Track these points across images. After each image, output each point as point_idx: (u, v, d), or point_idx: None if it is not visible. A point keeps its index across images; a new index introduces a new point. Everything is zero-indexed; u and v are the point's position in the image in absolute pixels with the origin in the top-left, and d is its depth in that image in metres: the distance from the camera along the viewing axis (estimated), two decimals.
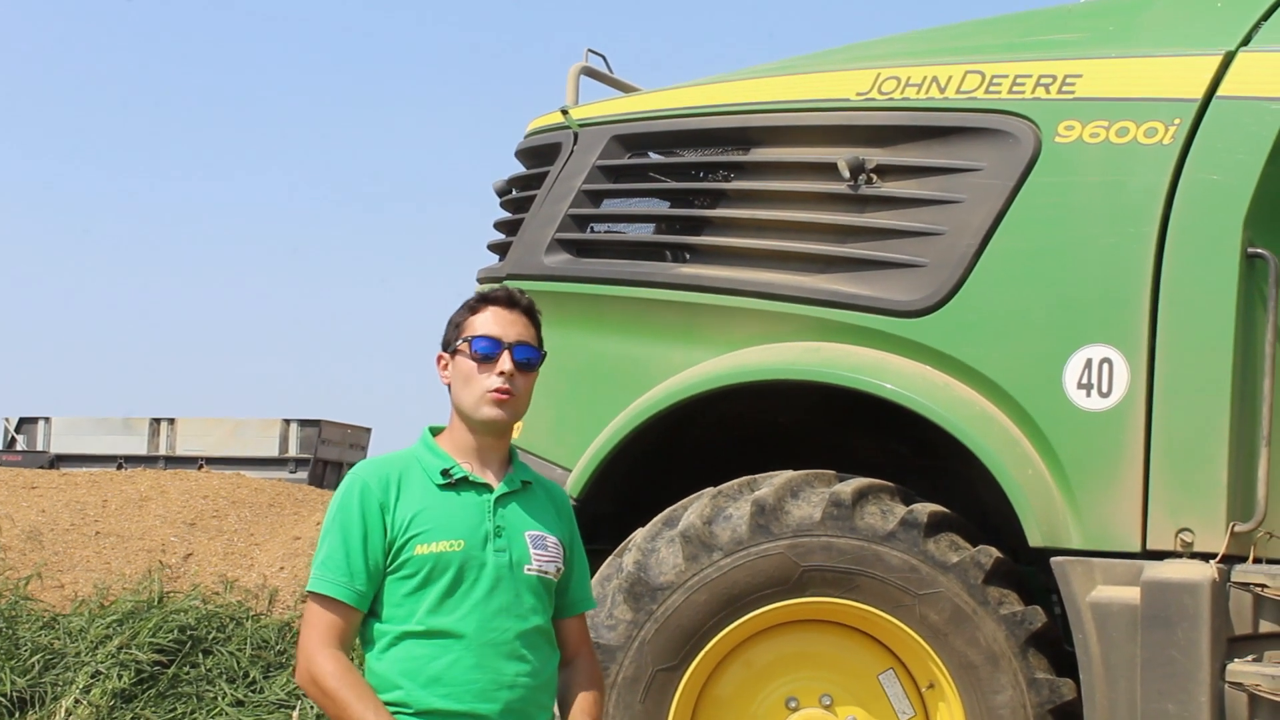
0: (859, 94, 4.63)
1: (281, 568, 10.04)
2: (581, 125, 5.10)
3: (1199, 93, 4.15)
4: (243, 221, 47.15)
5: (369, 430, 23.54)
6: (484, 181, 5.74)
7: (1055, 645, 4.30)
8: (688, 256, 4.88)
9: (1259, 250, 4.05)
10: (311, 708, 7.25)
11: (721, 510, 4.36)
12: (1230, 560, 4.01)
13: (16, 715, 7.13)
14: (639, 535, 4.46)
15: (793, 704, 4.41)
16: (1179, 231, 4.10)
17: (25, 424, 23.11)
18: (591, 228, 5.09)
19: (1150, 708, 3.93)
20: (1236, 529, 4.00)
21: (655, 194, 5.07)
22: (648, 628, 4.30)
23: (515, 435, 3.12)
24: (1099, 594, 4.06)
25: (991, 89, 4.41)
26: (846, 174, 4.50)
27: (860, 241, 4.53)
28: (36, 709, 7.21)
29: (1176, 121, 4.15)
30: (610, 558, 4.48)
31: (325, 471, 21.41)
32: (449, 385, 2.99)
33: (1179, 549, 4.04)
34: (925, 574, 4.20)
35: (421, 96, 49.76)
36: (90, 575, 9.70)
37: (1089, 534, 4.14)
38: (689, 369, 4.65)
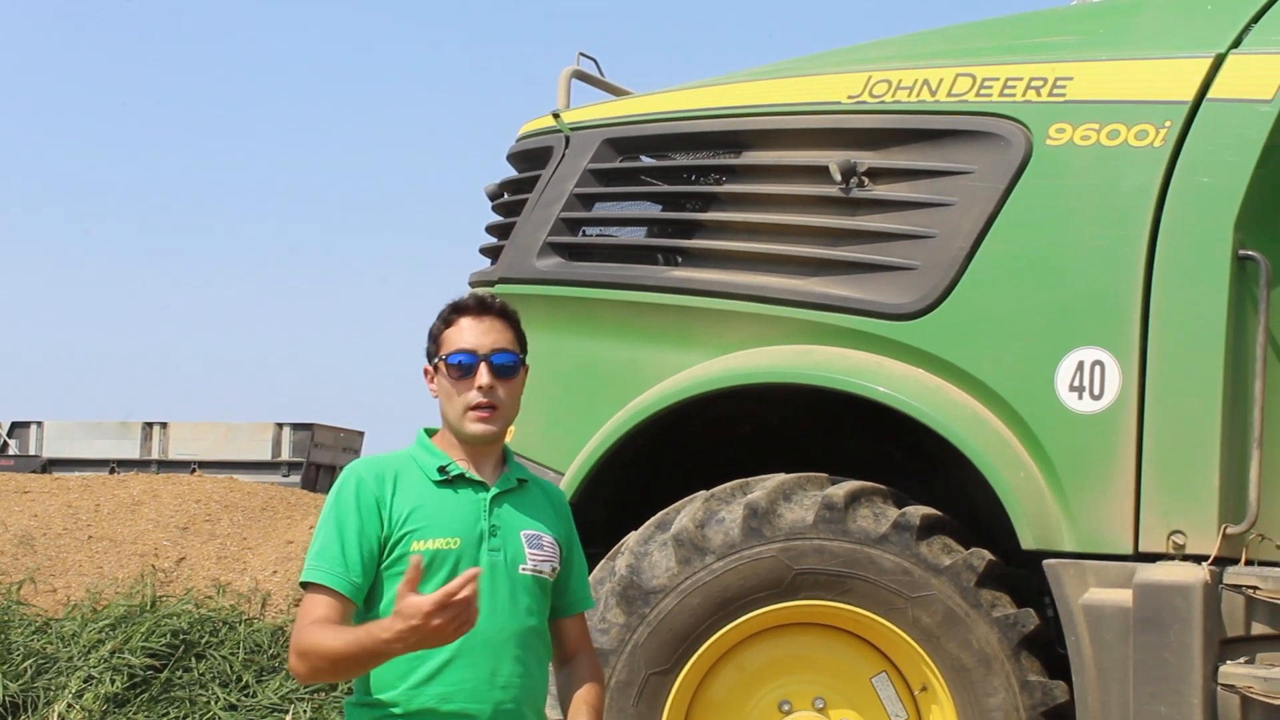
0: (850, 97, 4.63)
1: (274, 572, 10.02)
2: (573, 129, 5.10)
3: (1190, 95, 4.15)
4: (236, 225, 47.12)
5: (362, 434, 23.50)
6: (477, 185, 5.73)
7: (1048, 648, 4.30)
8: (680, 260, 4.87)
9: (1250, 253, 4.05)
10: (305, 711, 7.25)
11: (714, 513, 4.36)
12: (1222, 562, 4.01)
13: None
14: (631, 539, 4.46)
15: (785, 707, 4.40)
16: (1170, 234, 4.11)
17: (17, 428, 23.04)
18: (583, 231, 5.09)
19: (1143, 710, 3.93)
20: (1228, 531, 4.00)
21: (647, 197, 5.07)
22: (640, 631, 4.29)
23: (508, 439, 3.11)
24: (1091, 596, 4.06)
25: (983, 92, 4.42)
26: (838, 177, 4.50)
27: (852, 244, 4.53)
28: (29, 714, 7.20)
29: (1167, 124, 4.15)
30: (603, 561, 4.47)
31: (318, 475, 21.37)
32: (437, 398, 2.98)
33: (1171, 551, 4.04)
34: (918, 577, 4.20)
35: (413, 99, 49.76)
36: (83, 579, 9.67)
37: (1081, 536, 4.14)
38: (681, 372, 4.64)
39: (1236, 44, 4.21)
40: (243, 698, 7.42)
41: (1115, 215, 4.18)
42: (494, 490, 2.95)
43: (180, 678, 7.49)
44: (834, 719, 4.38)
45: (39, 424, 22.83)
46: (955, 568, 4.20)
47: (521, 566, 2.92)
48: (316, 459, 21.68)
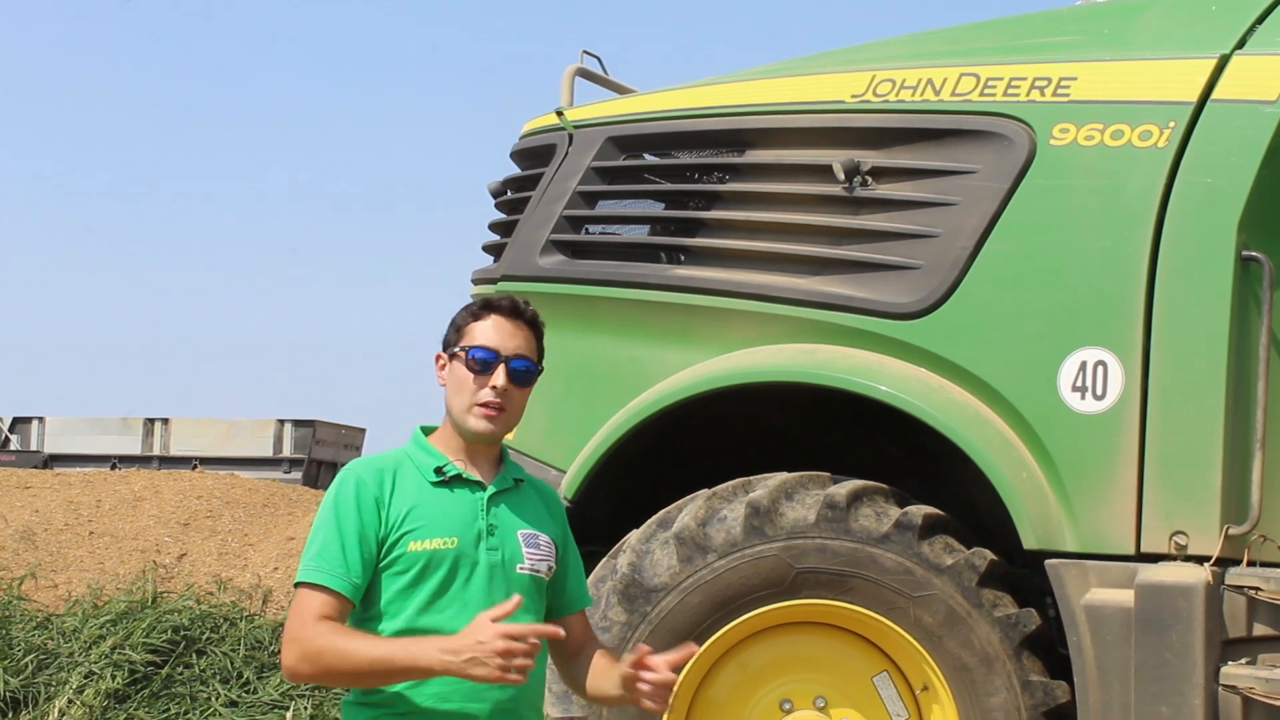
0: (854, 96, 4.63)
1: (275, 568, 10.02)
2: (576, 126, 5.10)
3: (1194, 96, 4.15)
4: (238, 223, 47.13)
5: (363, 431, 23.50)
6: (479, 183, 5.73)
7: (1049, 648, 4.30)
8: (683, 258, 4.87)
9: (1253, 253, 4.05)
10: (305, 708, 7.25)
11: (716, 512, 4.35)
12: (1224, 563, 4.01)
13: (10, 715, 7.12)
14: (633, 537, 4.46)
15: (787, 706, 4.40)
16: (1174, 234, 4.11)
17: (19, 424, 23.04)
18: (586, 229, 5.09)
19: (1144, 710, 3.93)
20: (1231, 532, 4.00)
21: (650, 195, 5.07)
22: (642, 629, 4.29)
23: (509, 437, 3.11)
24: (1093, 597, 4.06)
25: (986, 91, 4.41)
26: (841, 176, 4.50)
27: (855, 243, 4.53)
28: (30, 709, 7.20)
29: (1171, 124, 4.15)
30: (604, 559, 4.48)
31: (319, 472, 21.36)
32: (445, 386, 2.98)
33: (1173, 552, 4.04)
34: (919, 576, 4.20)
35: (415, 97, 49.75)
36: (84, 575, 9.68)
37: (1083, 537, 4.14)
38: (684, 370, 4.64)
39: (1241, 45, 4.20)
40: (243, 694, 7.43)
41: (1119, 215, 4.18)
42: (491, 490, 2.95)
43: (181, 674, 7.50)
44: (835, 718, 4.38)
45: (41, 419, 22.85)
46: (957, 567, 4.20)
47: (519, 566, 2.93)
48: (318, 455, 21.68)
